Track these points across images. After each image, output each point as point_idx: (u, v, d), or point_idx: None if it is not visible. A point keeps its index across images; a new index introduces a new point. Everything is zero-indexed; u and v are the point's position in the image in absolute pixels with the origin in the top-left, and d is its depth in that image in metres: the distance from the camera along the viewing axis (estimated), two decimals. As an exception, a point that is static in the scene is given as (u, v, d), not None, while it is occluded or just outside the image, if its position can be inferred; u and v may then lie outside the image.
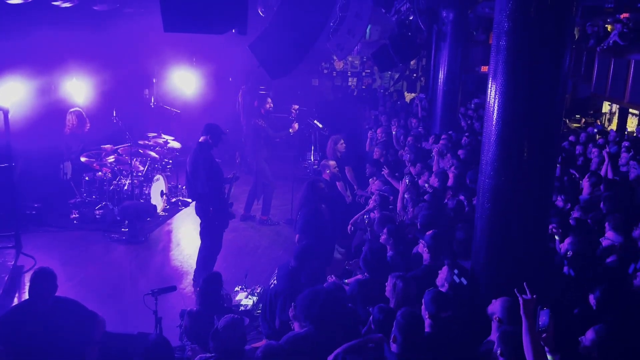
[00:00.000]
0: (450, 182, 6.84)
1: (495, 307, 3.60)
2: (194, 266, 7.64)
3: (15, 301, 6.44)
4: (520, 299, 3.13)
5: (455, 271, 3.89)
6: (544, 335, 3.01)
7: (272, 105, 9.53)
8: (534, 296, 3.14)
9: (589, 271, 4.51)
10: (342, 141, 8.79)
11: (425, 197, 6.43)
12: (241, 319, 3.94)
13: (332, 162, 7.73)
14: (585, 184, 6.67)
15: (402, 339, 3.28)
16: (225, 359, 3.74)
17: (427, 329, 3.70)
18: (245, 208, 9.62)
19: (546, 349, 3.04)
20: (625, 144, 8.97)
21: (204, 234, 6.83)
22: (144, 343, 4.25)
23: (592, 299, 3.94)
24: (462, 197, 6.25)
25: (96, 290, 6.86)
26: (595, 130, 12.23)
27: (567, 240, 4.72)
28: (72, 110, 9.22)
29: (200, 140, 6.62)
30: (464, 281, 3.85)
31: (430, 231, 4.83)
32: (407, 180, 6.48)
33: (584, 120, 16.34)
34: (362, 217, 6.69)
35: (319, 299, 3.77)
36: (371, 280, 4.54)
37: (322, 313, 3.75)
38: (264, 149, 9.48)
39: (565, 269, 4.57)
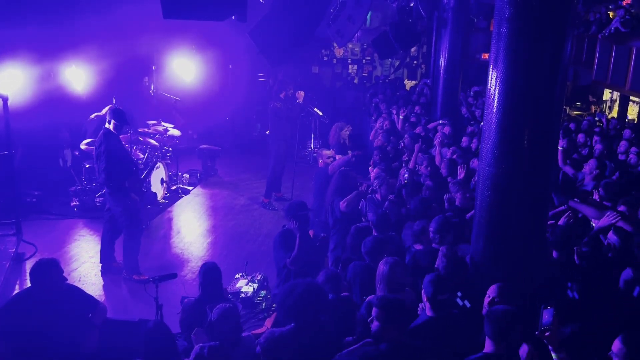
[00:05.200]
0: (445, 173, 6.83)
1: (491, 292, 3.64)
2: (195, 254, 7.69)
3: (17, 288, 6.47)
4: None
5: (459, 293, 3.90)
6: (547, 334, 3.00)
7: (292, 91, 9.58)
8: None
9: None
10: (346, 128, 8.77)
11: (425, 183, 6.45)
12: (234, 306, 3.93)
13: (325, 152, 7.69)
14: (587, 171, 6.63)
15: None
16: (223, 348, 3.76)
17: (428, 313, 3.74)
18: (266, 193, 9.72)
19: (550, 347, 3.04)
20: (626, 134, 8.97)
21: (122, 222, 6.78)
22: (144, 330, 4.27)
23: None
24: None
25: (97, 277, 6.90)
26: (596, 118, 12.21)
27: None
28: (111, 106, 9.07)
29: (108, 126, 6.56)
30: (467, 304, 3.86)
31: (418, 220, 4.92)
32: (405, 175, 6.46)
33: (593, 108, 16.26)
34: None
35: (294, 293, 3.71)
36: (370, 265, 4.56)
37: (297, 307, 3.69)
38: (285, 129, 9.57)
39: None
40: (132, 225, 6.76)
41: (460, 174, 6.45)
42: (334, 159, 7.57)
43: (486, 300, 3.66)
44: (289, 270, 5.07)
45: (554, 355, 3.02)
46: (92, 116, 9.02)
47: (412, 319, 3.78)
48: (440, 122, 9.35)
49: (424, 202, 5.53)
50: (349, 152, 8.20)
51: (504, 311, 3.20)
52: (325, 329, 3.79)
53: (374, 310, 3.39)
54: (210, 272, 4.77)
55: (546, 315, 3.01)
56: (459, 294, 3.88)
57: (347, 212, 5.97)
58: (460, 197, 5.73)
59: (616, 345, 2.92)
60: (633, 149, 7.60)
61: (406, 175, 6.46)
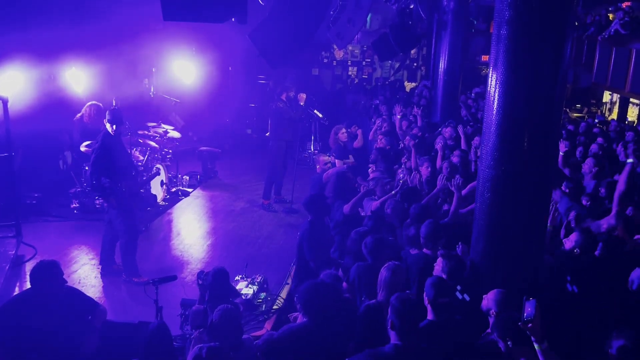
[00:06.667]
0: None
1: (489, 302, 3.61)
2: (195, 256, 7.69)
3: (17, 290, 6.46)
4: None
5: (458, 287, 3.90)
6: (530, 325, 3.03)
7: (294, 93, 9.61)
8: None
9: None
10: (343, 130, 8.77)
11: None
12: (235, 308, 3.93)
13: (323, 158, 7.69)
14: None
15: (400, 324, 3.31)
16: (223, 349, 3.76)
17: (429, 317, 3.73)
18: (264, 195, 9.73)
19: (532, 338, 3.06)
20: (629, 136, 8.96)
21: (118, 225, 6.70)
22: (144, 332, 4.26)
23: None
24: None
25: (97, 279, 6.89)
26: (597, 120, 12.20)
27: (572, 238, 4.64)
28: (91, 103, 9.03)
29: (108, 128, 6.48)
30: (467, 297, 3.87)
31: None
32: (400, 176, 6.45)
33: (585, 109, 16.29)
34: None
35: (319, 293, 3.77)
36: (373, 266, 4.56)
37: (321, 306, 3.75)
38: (286, 130, 9.59)
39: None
40: (129, 228, 6.70)
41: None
42: (333, 164, 7.59)
43: (489, 314, 3.66)
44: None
45: (536, 346, 3.05)
46: (76, 117, 9.01)
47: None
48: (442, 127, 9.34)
49: (421, 208, 5.50)
50: (350, 157, 8.21)
51: (510, 317, 3.20)
52: (329, 333, 3.81)
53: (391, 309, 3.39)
54: (220, 276, 4.77)
55: (529, 308, 3.04)
56: (459, 287, 3.88)
57: (350, 214, 5.97)
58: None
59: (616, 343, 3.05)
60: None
61: (401, 175, 6.46)
